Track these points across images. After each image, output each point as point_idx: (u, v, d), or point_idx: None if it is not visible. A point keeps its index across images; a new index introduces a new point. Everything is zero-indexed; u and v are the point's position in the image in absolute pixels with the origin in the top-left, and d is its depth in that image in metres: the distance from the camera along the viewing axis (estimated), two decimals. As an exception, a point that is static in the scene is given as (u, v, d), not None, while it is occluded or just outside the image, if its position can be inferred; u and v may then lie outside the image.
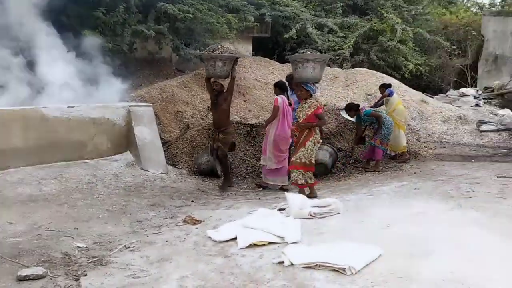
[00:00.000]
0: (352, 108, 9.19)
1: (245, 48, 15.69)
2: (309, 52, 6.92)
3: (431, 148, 10.86)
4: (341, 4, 16.61)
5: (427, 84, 18.55)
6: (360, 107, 9.19)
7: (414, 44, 16.36)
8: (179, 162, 9.00)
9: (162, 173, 8.11)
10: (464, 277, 3.82)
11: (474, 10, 21.93)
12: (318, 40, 15.13)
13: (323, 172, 8.47)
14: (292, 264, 4.18)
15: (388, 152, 9.24)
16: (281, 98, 7.58)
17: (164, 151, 8.82)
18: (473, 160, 9.56)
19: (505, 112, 12.56)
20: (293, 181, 6.81)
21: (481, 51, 18.42)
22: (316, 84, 7.14)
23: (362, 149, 9.51)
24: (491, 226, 5.16)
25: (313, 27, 15.19)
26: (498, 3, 22.67)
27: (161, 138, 9.03)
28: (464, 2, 25.02)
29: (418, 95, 13.60)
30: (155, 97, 10.26)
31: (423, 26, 18.17)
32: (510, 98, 13.77)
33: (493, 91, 14.71)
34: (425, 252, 4.41)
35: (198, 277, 4.13)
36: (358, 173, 8.64)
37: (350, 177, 8.32)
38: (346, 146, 9.90)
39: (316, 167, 8.41)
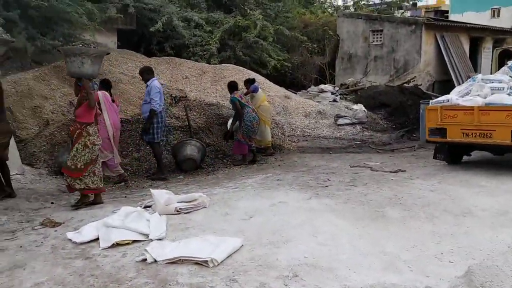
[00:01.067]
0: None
1: (109, 41, 15.05)
2: (80, 46, 6.73)
3: (294, 142, 11.51)
4: (205, -1, 16.83)
5: (291, 80, 19.59)
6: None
7: (275, 41, 17.16)
8: (37, 161, 8.39)
9: (16, 174, 7.48)
10: (317, 261, 4.13)
11: (331, 11, 23.64)
12: (185, 34, 15.11)
13: (192, 167, 8.53)
14: (155, 261, 4.15)
15: (253, 146, 9.43)
16: (102, 93, 7.42)
17: (20, 150, 8.14)
18: (331, 152, 10.34)
19: (358, 107, 13.78)
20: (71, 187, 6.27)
21: (338, 50, 19.95)
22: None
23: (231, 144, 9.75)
24: (343, 211, 5.65)
25: (179, 21, 15.10)
26: (351, 6, 24.76)
27: (16, 136, 8.32)
28: (322, 2, 26.92)
29: (281, 91, 14.29)
30: (9, 91, 9.37)
31: (285, 24, 19.16)
32: (363, 94, 15.14)
33: (347, 87, 16.07)
34: (284, 240, 4.68)
35: (55, 282, 3.90)
36: (226, 167, 8.84)
37: (218, 171, 8.48)
38: (215, 141, 10.05)
39: (185, 162, 8.49)
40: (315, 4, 24.68)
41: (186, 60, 15.03)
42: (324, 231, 4.94)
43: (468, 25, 19.84)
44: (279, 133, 11.85)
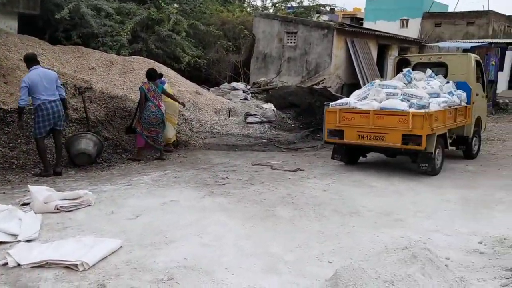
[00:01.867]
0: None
1: (8, 25, 13.89)
2: None
3: (201, 138, 11.30)
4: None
5: (206, 76, 19.35)
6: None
7: (190, 36, 16.84)
8: None
9: None
10: (197, 263, 3.99)
11: (250, 11, 23.69)
12: (94, 23, 14.35)
13: (86, 162, 8.02)
14: (19, 265, 3.77)
15: (153, 140, 8.91)
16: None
17: None
18: (236, 149, 10.26)
19: (268, 106, 13.86)
20: None
21: (253, 49, 20.02)
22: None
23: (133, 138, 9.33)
24: (234, 211, 5.56)
25: (88, 9, 14.31)
26: (269, 7, 24.98)
27: None
28: (241, 1, 26.95)
29: (193, 86, 14.01)
30: None
31: (201, 20, 18.89)
32: (274, 94, 15.27)
33: (259, 86, 16.15)
34: (167, 241, 4.49)
35: None
36: (123, 163, 8.43)
37: (115, 167, 8.06)
38: (115, 135, 9.58)
39: (78, 156, 7.97)
40: (234, 3, 24.63)
41: (94, 50, 14.27)
42: (211, 231, 4.82)
43: (377, 33, 20.75)
44: (187, 129, 11.58)
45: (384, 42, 20.68)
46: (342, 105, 7.92)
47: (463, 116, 8.52)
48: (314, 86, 16.28)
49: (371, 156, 8.96)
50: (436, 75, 8.77)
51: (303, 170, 7.97)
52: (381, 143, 7.47)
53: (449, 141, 8.14)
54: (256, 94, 15.39)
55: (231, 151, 10.13)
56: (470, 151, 9.09)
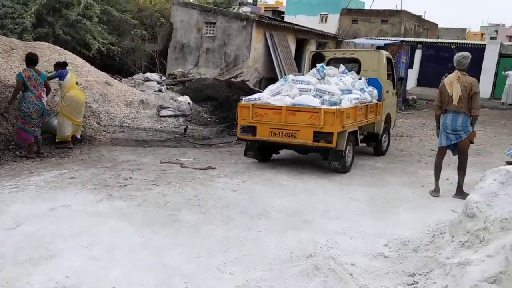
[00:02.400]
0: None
1: None
2: None
3: (109, 133, 10.58)
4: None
5: (121, 66, 18.38)
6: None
7: (104, 23, 15.91)
8: None
9: None
10: (80, 281, 3.52)
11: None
12: (-10, 2, 13.06)
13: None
14: None
15: (36, 134, 7.99)
16: None
17: None
18: (146, 145, 9.70)
19: (183, 98, 13.33)
20: None
21: (171, 39, 19.31)
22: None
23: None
24: (133, 216, 5.10)
25: (-16, -13, 13.00)
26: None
27: None
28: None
29: (103, 76, 13.13)
30: None
31: (116, 5, 17.90)
32: (190, 86, 14.75)
33: (176, 77, 15.56)
34: (49, 255, 3.96)
35: None
36: (15, 161, 7.60)
37: (4, 166, 7.22)
38: (9, 130, 8.66)
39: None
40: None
41: (-9, 32, 13.01)
42: (103, 241, 4.34)
43: (296, 27, 20.82)
44: (94, 123, 10.80)
45: (303, 36, 20.81)
46: (255, 100, 7.66)
47: (373, 113, 8.59)
48: (232, 79, 15.98)
49: (284, 152, 8.81)
50: (349, 71, 8.77)
51: (214, 168, 7.63)
52: (293, 140, 7.31)
53: (360, 138, 8.17)
54: (171, 86, 14.78)
55: (140, 147, 9.56)
56: (380, 148, 9.23)
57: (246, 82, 16.11)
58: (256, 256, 4.20)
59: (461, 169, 6.35)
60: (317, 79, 7.97)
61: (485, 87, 23.22)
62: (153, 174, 7.00)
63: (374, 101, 8.57)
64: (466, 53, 6.27)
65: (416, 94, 21.69)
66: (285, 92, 7.64)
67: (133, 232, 4.64)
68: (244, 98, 7.92)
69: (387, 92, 9.25)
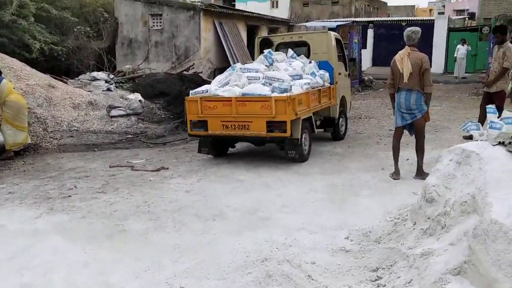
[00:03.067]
0: None
1: None
2: None
3: (56, 139, 10.00)
4: None
5: (68, 66, 17.55)
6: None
7: (41, 21, 15.08)
8: None
9: None
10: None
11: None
12: None
13: None
14: None
15: None
16: None
17: None
18: (95, 149, 9.20)
19: (134, 96, 12.78)
20: None
21: (117, 35, 18.58)
22: None
23: None
24: (76, 230, 4.70)
25: None
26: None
27: None
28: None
29: (45, 79, 12.42)
30: None
31: (56, 2, 17.03)
32: (141, 82, 14.18)
33: (124, 75, 14.93)
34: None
35: None
36: None
37: None
38: None
39: None
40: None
41: None
42: (38, 263, 3.94)
43: (245, 13, 20.43)
44: (40, 129, 10.18)
45: (253, 23, 20.44)
46: (202, 93, 7.29)
47: (327, 97, 8.36)
48: (184, 72, 15.49)
49: (240, 145, 8.51)
50: (298, 55, 8.50)
51: (167, 168, 7.25)
52: (246, 132, 7.00)
53: (315, 124, 7.93)
54: (121, 84, 14.15)
55: (90, 151, 9.05)
56: (338, 132, 9.04)
57: (199, 74, 15.67)
58: (209, 263, 3.89)
59: (419, 149, 6.21)
60: (265, 66, 7.66)
61: (437, 62, 23.63)
62: (100, 181, 6.56)
63: (327, 84, 8.33)
64: (416, 28, 6.09)
65: (372, 74, 21.74)
66: (233, 82, 7.29)
67: (76, 248, 4.25)
68: (191, 91, 7.53)
69: (339, 74, 9.03)
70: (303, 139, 7.23)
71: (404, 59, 5.90)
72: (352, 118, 11.64)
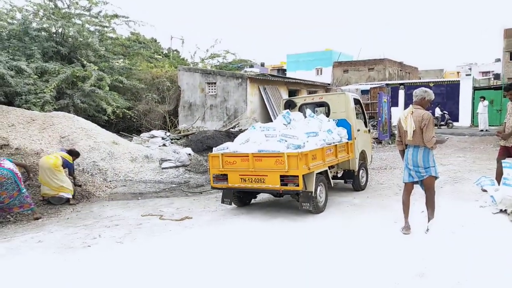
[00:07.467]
0: None
1: None
2: None
3: (110, 188, 9.68)
4: (39, 50, 14.55)
5: (139, 126, 17.84)
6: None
7: (117, 90, 15.49)
8: None
9: None
10: None
11: (176, 64, 22.55)
12: (14, 82, 12.69)
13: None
14: None
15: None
16: None
17: None
18: (139, 198, 8.72)
19: (184, 150, 12.48)
20: None
21: (180, 99, 18.74)
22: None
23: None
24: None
25: (7, 70, 12.65)
26: (199, 62, 23.98)
27: None
28: (172, 56, 25.91)
29: (111, 137, 12.42)
30: None
31: (132, 76, 17.63)
32: (193, 138, 13.94)
33: (180, 132, 14.78)
34: None
35: None
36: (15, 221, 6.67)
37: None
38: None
39: None
40: (163, 60, 23.68)
41: (15, 108, 12.55)
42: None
43: (286, 79, 20.06)
44: (100, 179, 9.95)
45: (294, 87, 19.99)
46: (223, 149, 6.67)
47: (345, 152, 7.46)
48: (231, 129, 15.11)
49: (261, 196, 7.71)
50: (319, 115, 7.75)
51: (191, 218, 6.57)
52: (262, 185, 6.23)
53: (331, 175, 7.02)
54: (176, 140, 13.97)
55: (133, 199, 8.58)
56: (358, 183, 8.03)
57: (244, 130, 15.23)
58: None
59: (429, 206, 5.15)
60: (284, 124, 6.96)
61: (464, 117, 21.97)
62: (125, 230, 5.97)
63: (344, 140, 7.47)
64: (422, 88, 5.21)
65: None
66: (253, 140, 6.63)
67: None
68: (214, 148, 6.94)
69: (358, 130, 8.14)
70: (318, 192, 6.34)
71: (407, 117, 5.01)
72: (378, 168, 10.55)
